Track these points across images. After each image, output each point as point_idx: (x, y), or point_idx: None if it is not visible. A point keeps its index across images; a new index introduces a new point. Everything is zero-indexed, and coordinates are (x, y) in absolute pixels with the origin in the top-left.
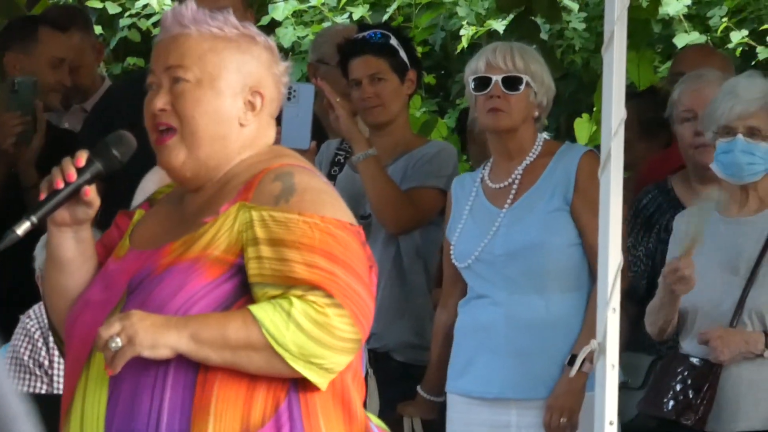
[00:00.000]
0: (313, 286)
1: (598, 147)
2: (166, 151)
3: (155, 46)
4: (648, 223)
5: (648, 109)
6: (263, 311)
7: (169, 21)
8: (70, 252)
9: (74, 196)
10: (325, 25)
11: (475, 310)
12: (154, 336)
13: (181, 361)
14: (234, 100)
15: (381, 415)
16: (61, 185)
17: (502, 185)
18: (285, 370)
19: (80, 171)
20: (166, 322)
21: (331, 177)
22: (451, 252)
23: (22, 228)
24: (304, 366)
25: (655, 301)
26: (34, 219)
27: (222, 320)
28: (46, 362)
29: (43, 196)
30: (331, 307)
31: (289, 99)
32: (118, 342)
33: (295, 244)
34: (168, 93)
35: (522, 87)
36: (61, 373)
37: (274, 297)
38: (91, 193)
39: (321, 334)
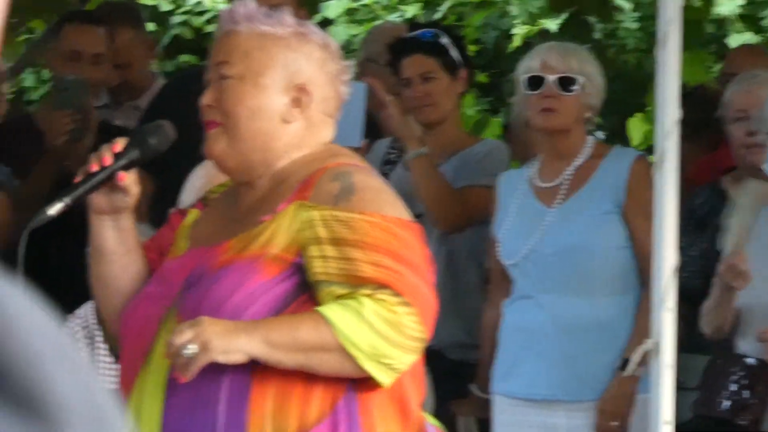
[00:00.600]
0: (380, 285)
1: (651, 147)
2: (210, 141)
3: (213, 43)
4: (702, 224)
5: (693, 110)
6: (334, 312)
7: (224, 18)
8: (111, 241)
9: (109, 180)
10: (378, 23)
11: (521, 311)
12: (227, 341)
13: None
14: (278, 96)
15: (434, 414)
16: (96, 168)
17: (551, 184)
18: (355, 371)
19: (117, 156)
20: (236, 327)
21: (383, 176)
22: (499, 249)
23: (55, 208)
24: (375, 366)
25: (711, 301)
26: (67, 200)
27: (293, 323)
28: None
29: (78, 179)
30: (401, 306)
31: None
32: (192, 349)
33: (359, 243)
34: (215, 90)
35: (576, 88)
36: (103, 374)
37: (341, 296)
38: (127, 179)
39: (392, 333)
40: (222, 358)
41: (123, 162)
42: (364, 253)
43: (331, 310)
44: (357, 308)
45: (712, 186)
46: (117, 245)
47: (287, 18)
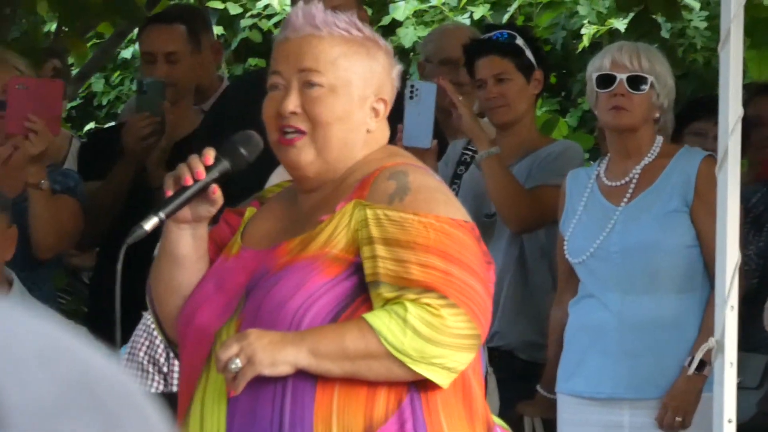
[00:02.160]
0: (427, 288)
1: None
2: (295, 151)
3: (281, 45)
4: (758, 222)
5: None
6: (379, 320)
7: (299, 21)
8: (187, 248)
9: (201, 193)
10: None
11: (587, 310)
12: (273, 354)
13: None
14: (362, 106)
15: (501, 415)
16: (190, 182)
17: (618, 183)
18: (407, 375)
19: (208, 169)
20: (282, 339)
21: (457, 176)
22: (565, 247)
23: (150, 223)
24: (427, 368)
25: None
26: (162, 215)
27: (338, 331)
28: (162, 359)
29: (170, 192)
30: (446, 308)
31: (411, 98)
32: (238, 363)
33: (411, 244)
34: (299, 96)
35: (646, 87)
36: (177, 371)
37: (387, 300)
38: (218, 191)
39: (438, 336)
40: (268, 371)
41: (215, 175)
42: (414, 255)
43: (376, 318)
44: (402, 314)
45: (767, 184)
46: (192, 252)
47: (355, 21)
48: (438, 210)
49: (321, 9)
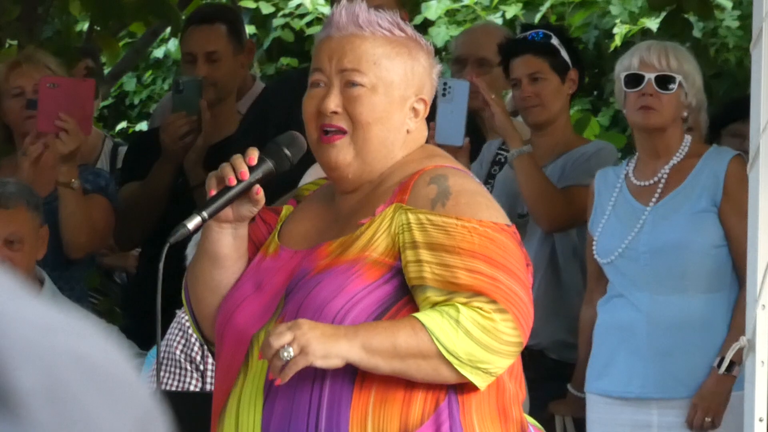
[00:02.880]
0: (476, 293)
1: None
2: (335, 150)
3: (324, 42)
4: None
5: None
6: (432, 320)
7: (343, 20)
8: (228, 248)
9: (244, 194)
10: (477, 23)
11: (615, 310)
12: (326, 346)
13: None
14: (403, 107)
15: (532, 414)
16: (234, 182)
17: (647, 183)
18: (451, 376)
19: (251, 169)
20: (335, 332)
21: (491, 176)
22: (594, 247)
23: (193, 223)
24: (471, 371)
25: None
26: (205, 215)
27: (391, 329)
28: (198, 357)
29: (213, 192)
30: (497, 312)
31: (444, 95)
32: (291, 352)
33: (456, 249)
34: (340, 95)
35: (674, 87)
36: (212, 369)
37: (437, 303)
38: (261, 192)
39: (489, 340)
40: (320, 363)
41: (259, 175)
42: (460, 260)
43: (428, 317)
44: (454, 315)
45: None
46: (232, 252)
47: (398, 21)
48: (480, 214)
49: (364, 8)
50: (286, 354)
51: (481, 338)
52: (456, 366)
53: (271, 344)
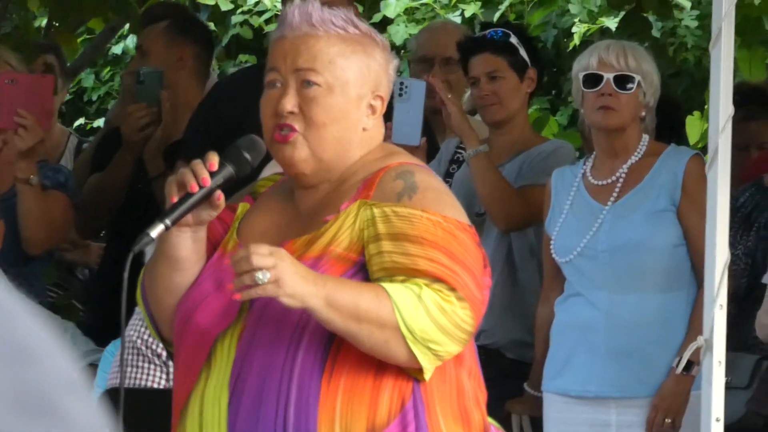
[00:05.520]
0: (436, 279)
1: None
2: (290, 148)
3: (278, 42)
4: (746, 222)
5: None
6: (397, 291)
7: (296, 19)
8: (187, 251)
9: (207, 199)
10: (436, 22)
11: (574, 309)
12: (296, 285)
13: (306, 359)
14: (359, 105)
15: (489, 412)
16: (196, 189)
17: (605, 182)
18: (399, 352)
19: (212, 174)
20: (307, 275)
21: (450, 174)
22: (552, 246)
23: (156, 231)
24: (421, 350)
25: (766, 311)
26: (168, 222)
27: (357, 289)
28: (164, 354)
29: (174, 199)
30: (457, 299)
31: (400, 95)
32: (266, 277)
33: (418, 239)
34: (296, 95)
35: (633, 86)
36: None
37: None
38: (222, 197)
39: (445, 321)
40: (285, 300)
41: (220, 181)
42: (422, 249)
43: (394, 289)
44: (417, 291)
45: (756, 184)
46: (191, 254)
47: (352, 18)
48: (446, 211)
49: (318, 7)
50: (261, 276)
51: (438, 317)
52: (408, 341)
53: (252, 262)
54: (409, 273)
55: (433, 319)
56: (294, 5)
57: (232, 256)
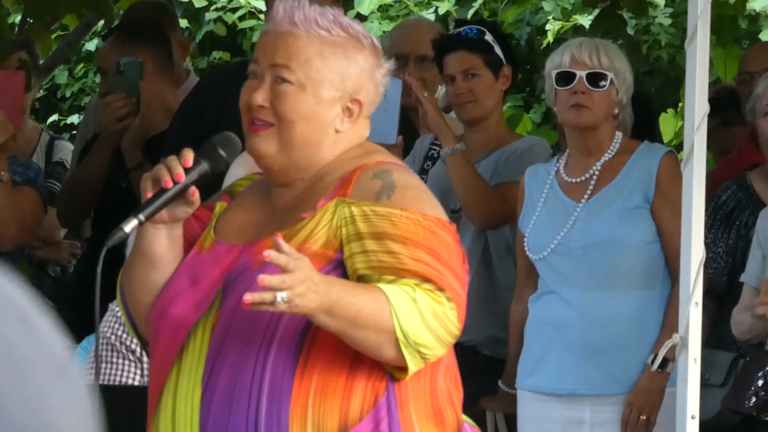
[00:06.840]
0: (424, 279)
1: (683, 143)
2: (259, 139)
3: (263, 36)
4: (727, 220)
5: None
6: (396, 296)
7: (279, 16)
8: (163, 249)
9: (181, 195)
10: (409, 19)
11: (548, 306)
12: (306, 305)
13: (279, 355)
14: (332, 107)
15: (464, 409)
16: (170, 185)
17: (579, 179)
18: (389, 354)
19: (187, 171)
20: (318, 290)
21: (424, 171)
22: (525, 243)
23: (130, 226)
24: (410, 352)
25: (743, 313)
26: (142, 218)
27: (359, 297)
28: (138, 350)
29: (149, 194)
30: (446, 300)
31: None
32: (284, 298)
33: (401, 238)
34: (269, 90)
35: (606, 84)
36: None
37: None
38: (197, 193)
39: (437, 325)
40: (289, 312)
41: (195, 177)
42: (405, 248)
43: (392, 292)
44: (412, 294)
45: (738, 181)
46: (168, 252)
47: (340, 19)
48: (425, 209)
49: (306, 6)
50: (279, 298)
51: (430, 321)
52: (401, 345)
53: (287, 283)
54: (397, 272)
55: (426, 323)
56: (282, 2)
57: (279, 247)
